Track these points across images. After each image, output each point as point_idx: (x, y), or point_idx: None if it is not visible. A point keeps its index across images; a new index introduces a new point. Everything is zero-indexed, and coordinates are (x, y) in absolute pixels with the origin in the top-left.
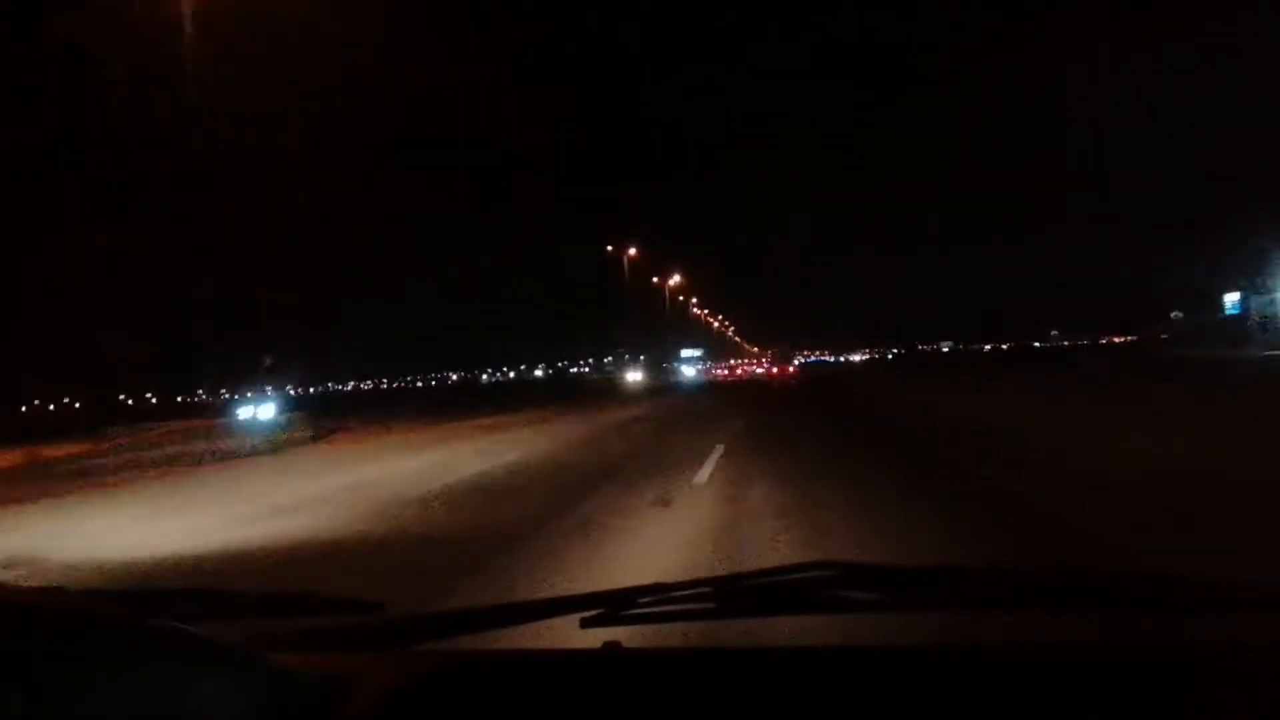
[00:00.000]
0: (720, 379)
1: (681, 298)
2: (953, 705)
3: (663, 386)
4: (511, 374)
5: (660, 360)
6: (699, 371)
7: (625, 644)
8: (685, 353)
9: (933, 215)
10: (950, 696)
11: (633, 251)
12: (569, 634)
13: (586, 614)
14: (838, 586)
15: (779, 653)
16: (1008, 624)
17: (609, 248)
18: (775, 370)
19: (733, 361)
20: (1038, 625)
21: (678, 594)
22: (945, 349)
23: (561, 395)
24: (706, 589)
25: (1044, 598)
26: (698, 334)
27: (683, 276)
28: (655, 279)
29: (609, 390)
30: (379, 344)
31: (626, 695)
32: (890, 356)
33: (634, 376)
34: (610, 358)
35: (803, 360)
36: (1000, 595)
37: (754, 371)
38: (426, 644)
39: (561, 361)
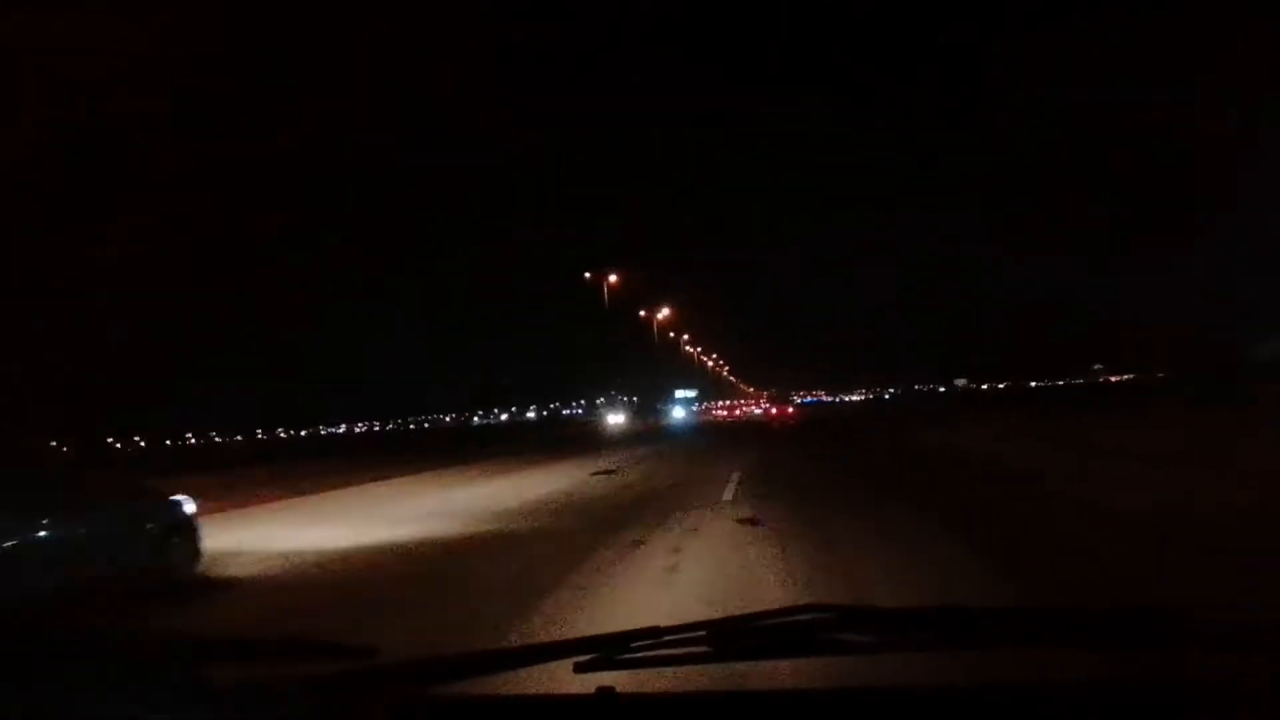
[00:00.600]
0: (719, 420)
1: (673, 334)
2: None
3: (647, 431)
4: (504, 416)
5: (653, 400)
6: (691, 413)
7: (620, 688)
8: (680, 394)
9: (943, 232)
10: None
11: (613, 279)
12: (563, 679)
13: (580, 658)
14: (832, 629)
15: (773, 696)
16: (1003, 664)
17: (586, 275)
18: (775, 411)
19: (731, 402)
20: (1033, 665)
21: (672, 637)
22: (959, 385)
23: (516, 444)
24: (700, 632)
25: (1040, 638)
26: (690, 373)
27: (672, 309)
28: (642, 312)
29: (579, 439)
30: (374, 384)
31: None
32: (886, 397)
33: (615, 420)
34: (602, 399)
35: (800, 400)
36: (996, 636)
37: (752, 412)
38: (419, 690)
39: (554, 403)
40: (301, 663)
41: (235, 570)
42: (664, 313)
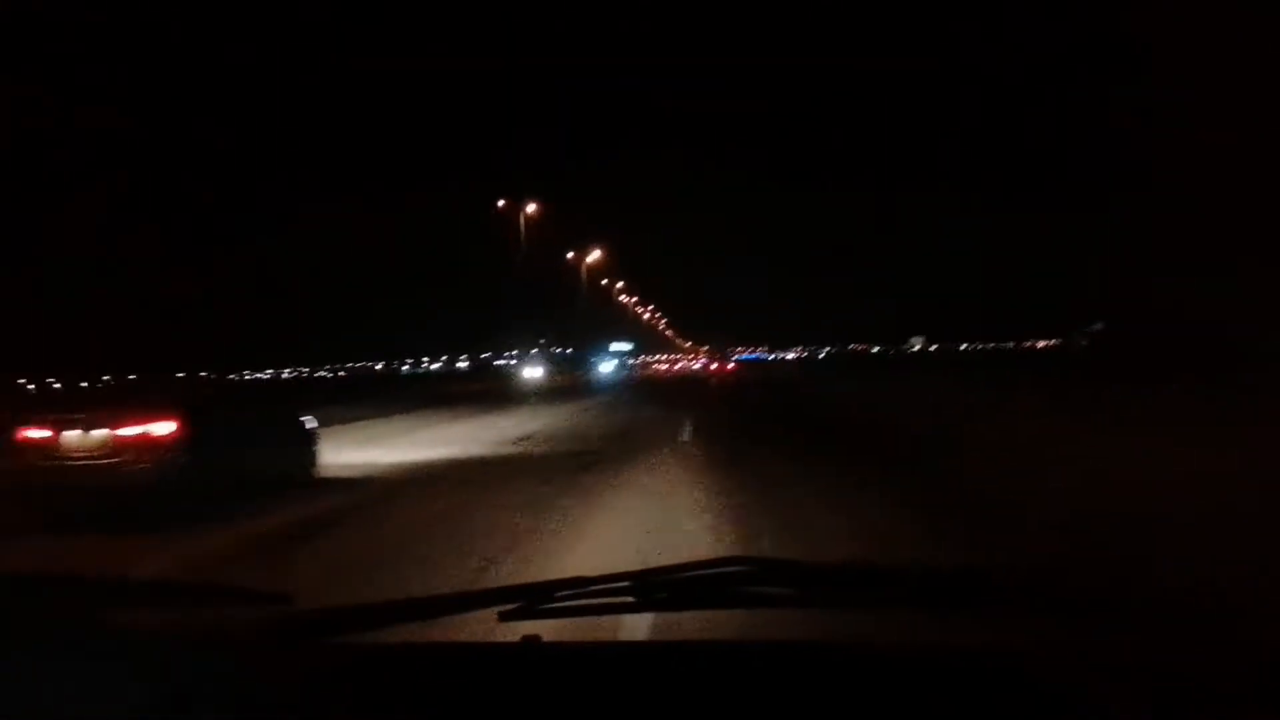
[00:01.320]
0: (658, 374)
1: (605, 281)
2: (854, 699)
3: (571, 387)
4: (434, 365)
5: (585, 353)
6: (625, 366)
7: (545, 637)
8: (615, 346)
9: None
10: (852, 690)
11: (531, 209)
12: (488, 628)
13: (505, 607)
14: (751, 582)
15: (695, 646)
16: (910, 621)
17: (499, 203)
18: (714, 367)
19: (671, 356)
20: (939, 623)
21: (595, 588)
22: (914, 344)
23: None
24: (624, 583)
25: (946, 596)
26: (626, 325)
27: (604, 252)
28: (571, 254)
29: (479, 397)
30: (314, 329)
31: (544, 688)
32: (821, 356)
33: (532, 373)
34: (535, 349)
35: (739, 357)
36: (904, 594)
37: (691, 368)
38: (342, 636)
39: (487, 353)
40: (222, 608)
41: (332, 475)
42: (594, 255)
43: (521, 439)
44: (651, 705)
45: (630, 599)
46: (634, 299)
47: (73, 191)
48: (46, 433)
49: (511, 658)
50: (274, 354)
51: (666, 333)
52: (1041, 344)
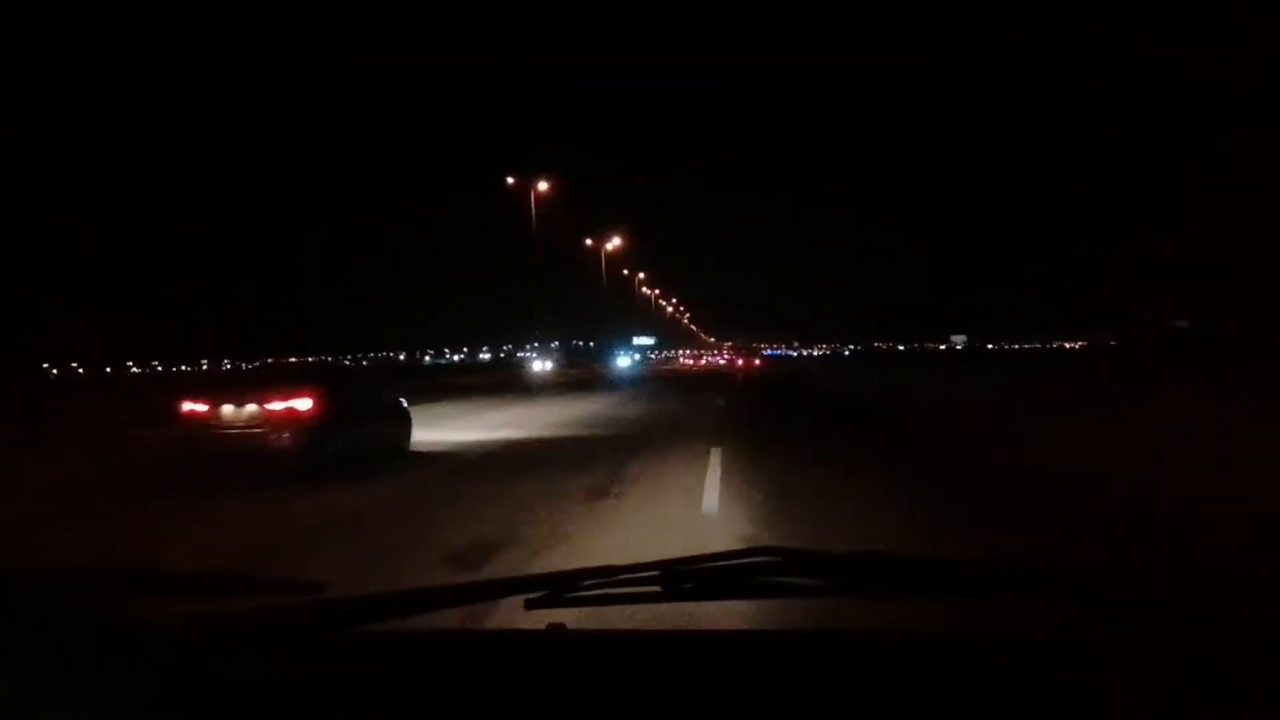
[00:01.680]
0: (685, 369)
1: (627, 272)
2: (885, 689)
3: (583, 381)
4: (456, 357)
5: (603, 347)
6: (643, 360)
7: (569, 626)
8: (638, 340)
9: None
10: (882, 680)
11: (543, 186)
12: (514, 616)
13: (531, 595)
14: (779, 572)
15: (720, 636)
16: (939, 612)
17: (509, 180)
18: (741, 363)
19: (698, 351)
20: (967, 614)
21: (622, 577)
22: (956, 342)
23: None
24: (651, 572)
25: (975, 587)
26: (649, 318)
27: (624, 239)
28: (589, 240)
29: (480, 390)
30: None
31: (570, 676)
32: (846, 353)
33: (541, 367)
34: (547, 344)
35: (765, 353)
36: (933, 584)
37: (717, 363)
38: (368, 625)
39: (508, 345)
40: (248, 597)
41: (419, 450)
42: (614, 243)
43: (563, 424)
44: (676, 694)
45: (656, 588)
46: (657, 291)
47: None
48: (206, 407)
49: (537, 645)
50: (302, 345)
51: (691, 327)
52: (1070, 344)
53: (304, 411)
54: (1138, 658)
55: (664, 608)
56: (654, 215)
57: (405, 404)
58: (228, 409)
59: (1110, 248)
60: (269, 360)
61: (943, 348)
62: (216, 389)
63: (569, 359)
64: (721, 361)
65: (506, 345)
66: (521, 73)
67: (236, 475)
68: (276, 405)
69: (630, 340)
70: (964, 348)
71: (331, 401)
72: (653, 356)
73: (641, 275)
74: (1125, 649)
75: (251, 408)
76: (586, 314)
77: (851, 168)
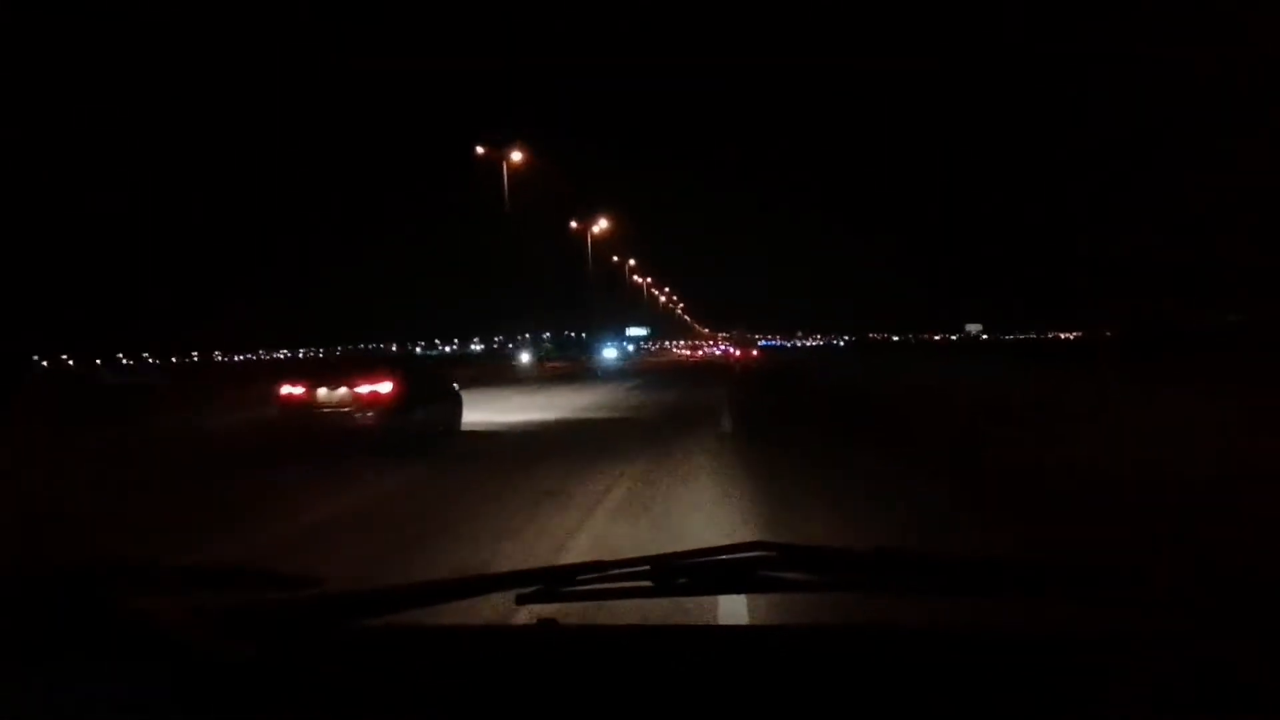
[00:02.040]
0: (681, 360)
1: (617, 259)
2: (880, 684)
3: (562, 375)
4: (448, 348)
5: (589, 338)
6: (631, 351)
7: (561, 621)
8: (631, 331)
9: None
10: (877, 675)
11: (517, 156)
12: (506, 610)
13: (523, 590)
14: (772, 567)
15: (713, 631)
16: (934, 608)
17: (479, 150)
18: (739, 354)
19: (694, 342)
20: (963, 610)
21: (614, 572)
22: (971, 331)
23: None
24: (643, 567)
25: (970, 583)
26: (641, 308)
27: (611, 222)
28: (574, 224)
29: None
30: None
31: (562, 671)
32: (841, 344)
33: (523, 359)
34: (548, 333)
35: (762, 344)
36: (928, 580)
37: (713, 354)
38: (363, 620)
39: (499, 337)
40: (243, 593)
41: (466, 430)
42: (601, 226)
43: (580, 408)
44: (669, 689)
45: (649, 583)
46: (648, 280)
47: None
48: (303, 390)
49: (529, 640)
50: (299, 336)
51: (685, 318)
52: (1066, 335)
53: (385, 394)
54: (1136, 656)
55: (656, 602)
56: (652, 213)
57: (457, 388)
58: (322, 392)
59: (1110, 243)
60: (349, 349)
61: (954, 337)
62: (310, 375)
63: (561, 351)
64: (717, 353)
65: (498, 337)
66: (521, 71)
67: (331, 447)
68: (363, 389)
69: (622, 331)
70: (978, 337)
71: (406, 385)
72: (646, 348)
73: (632, 262)
74: (1123, 647)
75: (342, 391)
76: (576, 304)
77: (851, 167)
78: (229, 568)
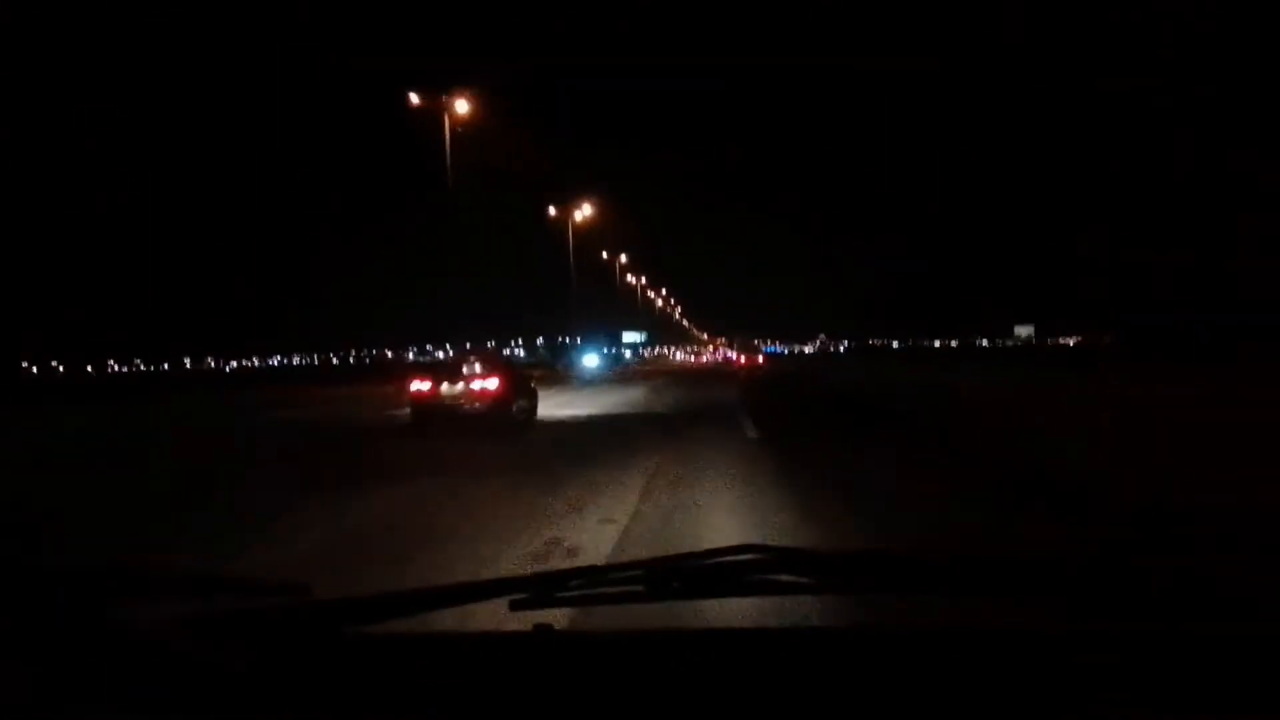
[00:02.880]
0: (686, 367)
1: (606, 255)
2: (875, 686)
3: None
4: (439, 354)
5: (569, 344)
6: (614, 360)
7: (556, 626)
8: (627, 337)
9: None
10: (873, 678)
11: (462, 108)
12: (499, 617)
13: (516, 596)
14: (767, 570)
15: (709, 635)
16: (930, 609)
17: (413, 99)
18: (744, 360)
19: (698, 349)
20: (960, 611)
21: (609, 576)
22: (1020, 335)
23: None
24: (637, 572)
25: (965, 584)
26: (633, 309)
27: (595, 207)
28: (553, 210)
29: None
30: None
31: (557, 677)
32: (841, 350)
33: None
34: (541, 338)
35: (767, 350)
36: (922, 581)
37: (717, 360)
38: (353, 628)
39: (491, 341)
40: (234, 599)
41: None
42: (585, 212)
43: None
44: (665, 694)
45: (643, 588)
46: (643, 280)
47: None
48: (429, 386)
49: (524, 646)
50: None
51: (683, 323)
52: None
53: (494, 389)
54: (1135, 655)
55: (651, 607)
56: (648, 214)
57: (533, 384)
58: (445, 387)
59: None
60: (463, 350)
61: (984, 344)
62: (433, 374)
63: (551, 356)
64: (719, 359)
65: (490, 341)
66: (521, 70)
67: (453, 432)
68: (477, 385)
69: (615, 336)
70: (1028, 341)
71: (509, 382)
72: (644, 354)
73: (624, 259)
74: (1122, 646)
75: (460, 386)
76: (557, 307)
77: (853, 168)
78: (216, 573)
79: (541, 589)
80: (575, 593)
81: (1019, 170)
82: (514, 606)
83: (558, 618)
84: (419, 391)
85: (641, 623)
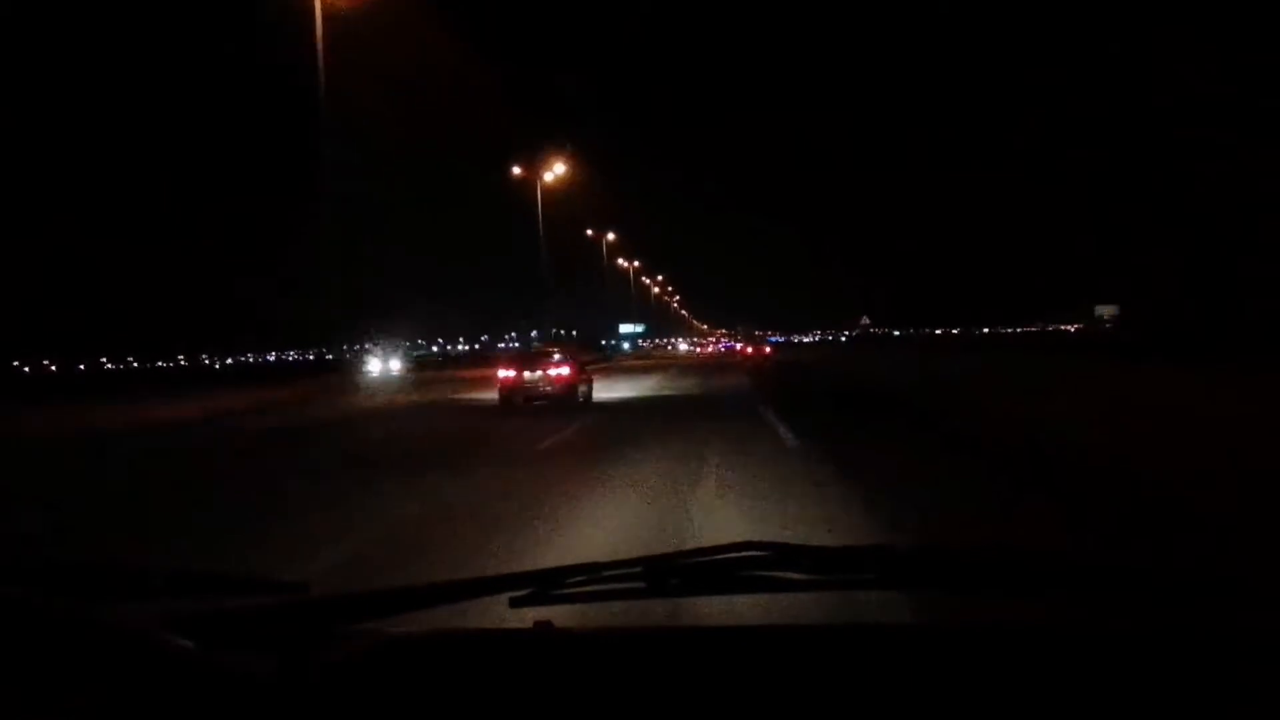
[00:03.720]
0: (692, 358)
1: (592, 233)
2: (876, 682)
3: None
4: (441, 349)
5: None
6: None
7: (556, 623)
8: (624, 328)
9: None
10: (873, 674)
11: None
12: (499, 614)
13: (516, 593)
14: (767, 566)
15: (708, 632)
16: (930, 604)
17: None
18: (750, 350)
19: (705, 340)
20: (959, 605)
21: (608, 573)
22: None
23: None
24: (637, 569)
25: (967, 578)
26: (626, 297)
27: (570, 164)
28: (517, 169)
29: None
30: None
31: (557, 673)
32: (844, 339)
33: (372, 368)
34: (536, 331)
35: (772, 339)
36: (922, 576)
37: (720, 350)
38: (352, 625)
39: (485, 335)
40: (233, 598)
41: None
42: (557, 170)
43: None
44: (666, 691)
45: (643, 585)
46: (636, 264)
47: None
48: (514, 373)
49: (524, 643)
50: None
51: (682, 313)
52: (1068, 327)
53: (566, 376)
54: (1138, 653)
55: (651, 603)
56: (641, 198)
57: (588, 368)
58: (528, 374)
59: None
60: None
61: (983, 331)
62: (516, 363)
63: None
64: (722, 349)
65: (483, 335)
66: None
67: (531, 407)
68: (553, 372)
69: (614, 328)
70: (1106, 322)
71: (577, 370)
72: (642, 345)
73: (611, 237)
74: (1126, 640)
75: (539, 373)
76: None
77: (850, 163)
78: (214, 573)
79: (541, 585)
80: (575, 590)
81: (1023, 166)
82: (514, 604)
83: (557, 614)
84: (506, 377)
85: (641, 619)
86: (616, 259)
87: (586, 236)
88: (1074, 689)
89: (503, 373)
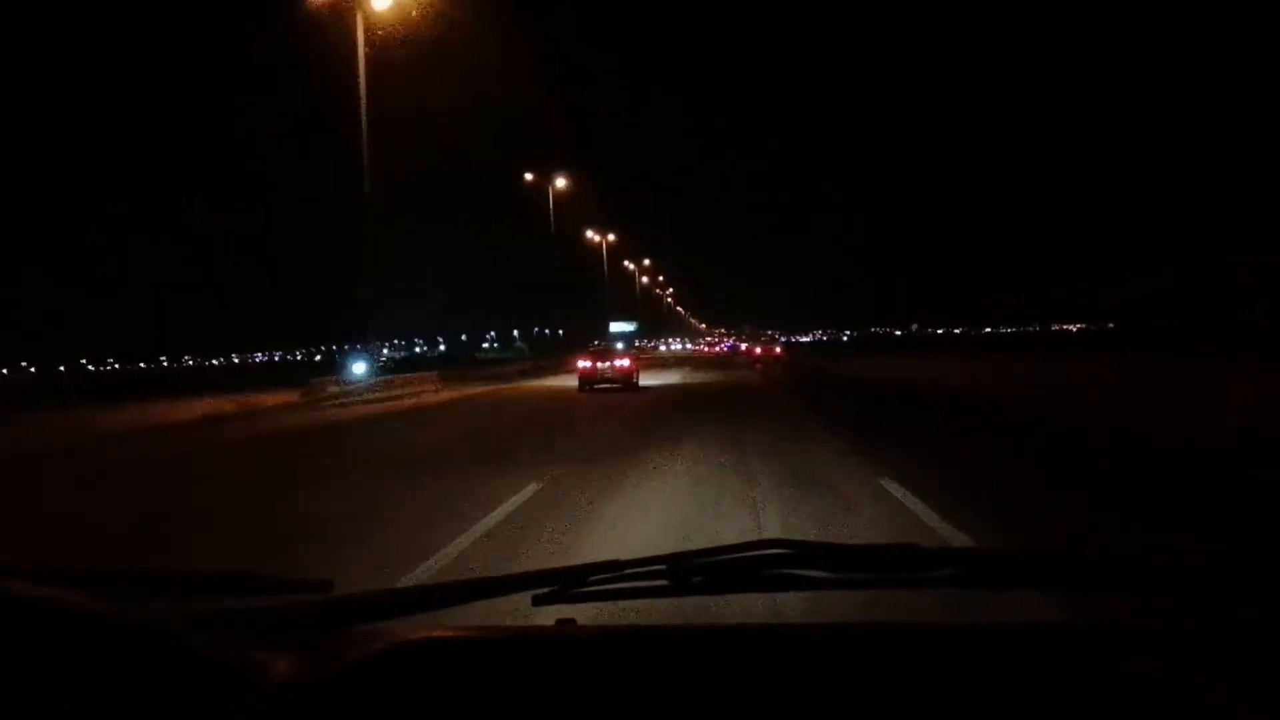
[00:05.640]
0: (694, 355)
1: (596, 238)
2: (902, 681)
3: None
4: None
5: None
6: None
7: (579, 621)
8: (615, 326)
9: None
10: (899, 673)
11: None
12: (521, 612)
13: (538, 591)
14: (789, 564)
15: (731, 630)
16: (956, 603)
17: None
18: (758, 351)
19: (711, 340)
20: (986, 604)
21: (631, 571)
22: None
23: None
24: (659, 566)
25: (992, 578)
26: (612, 292)
27: (570, 180)
28: (529, 175)
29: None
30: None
31: (579, 671)
32: (844, 338)
33: (356, 371)
34: (517, 331)
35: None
36: (948, 575)
37: (722, 350)
38: (374, 624)
39: (464, 335)
40: (254, 597)
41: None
42: (560, 183)
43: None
44: (690, 689)
45: (666, 582)
46: (632, 261)
47: None
48: (590, 364)
49: (547, 641)
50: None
51: (678, 310)
52: (1073, 327)
53: (629, 366)
54: (1168, 647)
55: (674, 601)
56: (634, 189)
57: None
58: (601, 364)
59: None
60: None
61: (986, 330)
62: (592, 356)
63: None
64: (725, 350)
65: (464, 334)
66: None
67: (603, 389)
68: (619, 363)
69: (605, 326)
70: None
71: (635, 361)
72: (636, 346)
73: (611, 236)
74: (1152, 638)
75: (609, 364)
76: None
77: (851, 158)
78: (232, 571)
79: (563, 584)
80: (597, 587)
81: (1023, 164)
82: (536, 602)
83: (580, 612)
84: (584, 367)
85: (666, 617)
86: (592, 234)
87: (581, 232)
88: (1105, 688)
89: (582, 364)
